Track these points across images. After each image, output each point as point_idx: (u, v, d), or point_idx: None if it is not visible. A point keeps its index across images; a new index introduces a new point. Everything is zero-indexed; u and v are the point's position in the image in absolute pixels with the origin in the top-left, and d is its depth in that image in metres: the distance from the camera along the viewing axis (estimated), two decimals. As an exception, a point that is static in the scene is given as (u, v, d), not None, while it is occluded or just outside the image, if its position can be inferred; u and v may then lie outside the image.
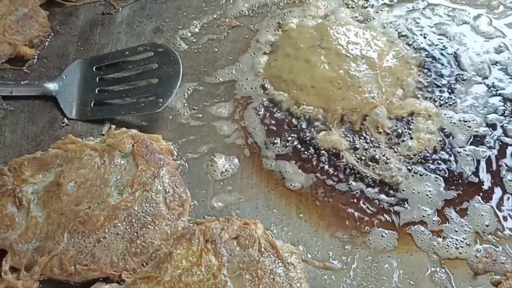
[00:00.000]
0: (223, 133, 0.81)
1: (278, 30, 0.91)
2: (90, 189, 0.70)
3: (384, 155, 0.76)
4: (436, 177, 0.75)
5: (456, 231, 0.70)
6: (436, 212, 0.71)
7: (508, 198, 0.73)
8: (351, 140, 0.78)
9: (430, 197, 0.73)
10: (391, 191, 0.73)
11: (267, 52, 0.89)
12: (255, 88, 0.84)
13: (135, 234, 0.66)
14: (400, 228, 0.70)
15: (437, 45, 0.88)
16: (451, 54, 0.87)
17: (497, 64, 0.86)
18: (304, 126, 0.80)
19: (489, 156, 0.76)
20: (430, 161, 0.76)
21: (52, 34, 0.92)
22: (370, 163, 0.76)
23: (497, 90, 0.83)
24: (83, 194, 0.69)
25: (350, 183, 0.74)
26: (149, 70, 0.84)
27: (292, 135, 0.79)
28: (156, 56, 0.84)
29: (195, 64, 0.88)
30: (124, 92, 0.83)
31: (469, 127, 0.79)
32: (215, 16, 0.95)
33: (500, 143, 0.78)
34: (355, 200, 0.73)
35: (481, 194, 0.73)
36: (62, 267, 0.64)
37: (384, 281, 0.66)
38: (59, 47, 0.91)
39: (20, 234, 0.67)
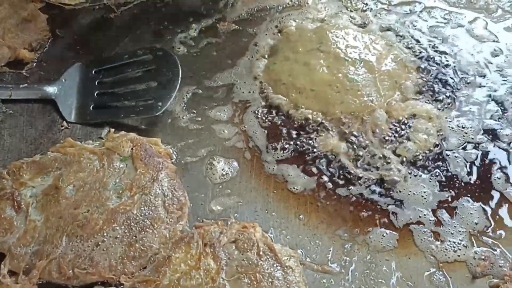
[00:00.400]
0: (222, 136, 0.81)
1: (277, 34, 0.91)
2: (89, 193, 0.70)
3: (381, 158, 0.76)
4: (430, 179, 0.75)
5: (452, 233, 0.70)
6: (431, 213, 0.72)
7: (496, 195, 0.73)
8: (350, 143, 0.78)
9: (425, 198, 0.73)
10: (390, 192, 0.73)
11: (266, 55, 0.89)
12: (254, 91, 0.85)
13: (134, 237, 0.66)
14: (400, 228, 0.71)
15: (434, 48, 0.89)
16: (449, 57, 0.87)
17: (492, 65, 0.87)
18: (303, 129, 0.80)
19: (480, 157, 0.77)
20: (427, 163, 0.76)
21: (52, 37, 0.93)
22: (367, 166, 0.76)
23: (494, 91, 0.84)
24: (82, 197, 0.69)
25: (350, 187, 0.74)
26: (148, 73, 0.84)
27: (292, 139, 0.79)
28: (155, 60, 0.84)
29: (194, 67, 0.89)
30: (123, 95, 0.83)
31: (466, 133, 0.79)
32: (214, 20, 0.95)
33: (492, 146, 0.78)
34: (355, 202, 0.73)
35: (471, 195, 0.73)
36: (61, 271, 0.64)
37: (382, 284, 0.66)
38: (58, 50, 0.91)
39: (18, 237, 0.67)
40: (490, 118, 0.81)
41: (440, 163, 0.76)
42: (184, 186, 0.74)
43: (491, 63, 0.87)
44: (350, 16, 0.94)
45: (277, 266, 0.64)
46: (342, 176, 0.75)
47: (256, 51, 0.89)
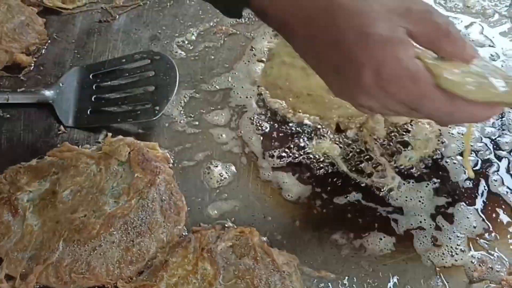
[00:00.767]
0: (220, 140, 0.81)
1: (274, 38, 0.92)
2: (86, 197, 0.70)
3: (376, 164, 0.76)
4: (427, 184, 0.75)
5: (450, 238, 0.70)
6: (430, 218, 0.72)
7: (493, 199, 0.73)
8: (345, 147, 0.78)
9: (423, 203, 0.73)
10: (388, 199, 0.73)
11: (263, 59, 0.89)
12: (251, 96, 0.85)
13: (131, 242, 0.66)
14: (399, 234, 0.71)
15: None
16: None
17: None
18: (300, 134, 0.80)
19: (480, 164, 0.77)
20: (424, 169, 0.76)
21: (49, 41, 0.93)
22: (361, 172, 0.76)
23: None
24: (79, 202, 0.69)
25: (346, 195, 0.74)
26: (145, 77, 0.84)
27: (289, 144, 0.79)
28: (153, 64, 0.85)
29: (192, 71, 0.89)
30: (121, 99, 0.83)
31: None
32: (211, 24, 0.95)
33: (492, 153, 0.78)
34: (353, 210, 0.73)
35: (468, 199, 0.73)
36: (58, 275, 0.64)
37: (379, 289, 0.66)
38: (56, 54, 0.91)
39: (15, 242, 0.67)
40: (491, 126, 0.80)
41: (438, 169, 0.76)
42: (182, 191, 0.74)
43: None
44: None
45: (274, 271, 0.64)
46: (338, 184, 0.75)
47: (253, 55, 0.90)
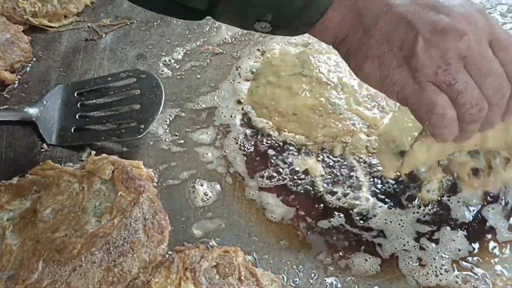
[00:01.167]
0: (205, 159, 0.80)
1: (259, 58, 0.92)
2: (68, 216, 0.68)
3: (353, 186, 0.76)
4: (408, 205, 0.75)
5: (434, 258, 0.70)
6: (414, 240, 0.71)
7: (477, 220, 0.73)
8: (328, 166, 0.78)
9: (403, 226, 0.73)
10: (368, 222, 0.73)
11: (249, 79, 0.90)
12: (235, 116, 0.85)
13: (113, 262, 0.65)
14: (384, 257, 0.70)
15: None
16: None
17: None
18: (285, 153, 0.80)
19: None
20: (404, 190, 0.76)
21: (34, 59, 0.92)
22: (340, 193, 0.75)
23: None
24: (60, 221, 0.68)
25: (330, 219, 0.73)
26: (131, 96, 0.84)
27: (274, 164, 0.79)
28: (139, 82, 0.85)
29: (178, 90, 0.89)
30: (106, 117, 0.83)
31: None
32: (198, 44, 0.96)
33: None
34: (337, 233, 0.73)
35: (451, 222, 0.73)
36: (37, 296, 0.63)
37: (364, 309, 0.66)
38: (40, 72, 0.91)
39: (-6, 262, 0.65)
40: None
41: (415, 187, 0.76)
42: (166, 209, 0.73)
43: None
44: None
45: (258, 291, 0.63)
46: (321, 208, 0.75)
47: (239, 75, 0.90)
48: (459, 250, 0.70)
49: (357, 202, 0.75)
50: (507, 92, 0.59)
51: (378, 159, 0.79)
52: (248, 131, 0.83)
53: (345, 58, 0.64)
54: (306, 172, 0.78)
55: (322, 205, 0.75)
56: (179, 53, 0.94)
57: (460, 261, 0.69)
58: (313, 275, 0.69)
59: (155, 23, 0.99)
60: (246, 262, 0.66)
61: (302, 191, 0.76)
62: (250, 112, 0.85)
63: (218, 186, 0.77)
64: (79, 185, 0.72)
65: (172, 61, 0.93)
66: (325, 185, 0.77)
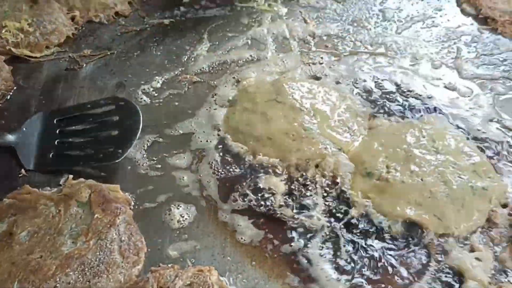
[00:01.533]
0: (181, 183, 0.82)
1: (236, 86, 0.96)
2: (43, 238, 0.69)
3: (309, 206, 0.79)
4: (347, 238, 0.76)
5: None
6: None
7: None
8: (293, 186, 0.81)
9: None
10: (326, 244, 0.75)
11: (225, 106, 0.93)
12: (211, 141, 0.87)
13: (87, 283, 0.66)
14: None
15: (385, 94, 0.94)
16: (401, 103, 0.92)
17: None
18: (257, 177, 0.82)
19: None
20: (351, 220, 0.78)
21: (15, 88, 0.94)
22: (294, 208, 0.78)
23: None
24: (36, 243, 0.69)
25: (291, 243, 0.75)
26: (109, 122, 0.86)
27: (245, 188, 0.81)
28: (117, 109, 0.87)
29: (156, 117, 0.91)
30: (84, 143, 0.85)
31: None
32: (176, 72, 0.99)
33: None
34: (300, 256, 0.74)
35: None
36: (10, 318, 0.63)
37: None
38: (21, 100, 0.93)
39: (-32, 285, 0.65)
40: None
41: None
42: (142, 231, 0.74)
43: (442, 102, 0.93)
44: (307, 70, 0.99)
45: (231, 308, 0.64)
46: (284, 229, 0.77)
47: (215, 102, 0.93)
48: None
49: (309, 220, 0.77)
50: None
51: (346, 181, 0.81)
52: (223, 156, 0.85)
53: None
54: (271, 191, 0.80)
55: (285, 227, 0.77)
56: (158, 82, 0.97)
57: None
58: (285, 294, 0.70)
59: (135, 53, 1.02)
60: (219, 281, 0.67)
61: (270, 213, 0.78)
62: (226, 138, 0.87)
63: (194, 209, 0.79)
64: (56, 208, 0.73)
65: (151, 89, 0.96)
66: (283, 203, 0.79)
